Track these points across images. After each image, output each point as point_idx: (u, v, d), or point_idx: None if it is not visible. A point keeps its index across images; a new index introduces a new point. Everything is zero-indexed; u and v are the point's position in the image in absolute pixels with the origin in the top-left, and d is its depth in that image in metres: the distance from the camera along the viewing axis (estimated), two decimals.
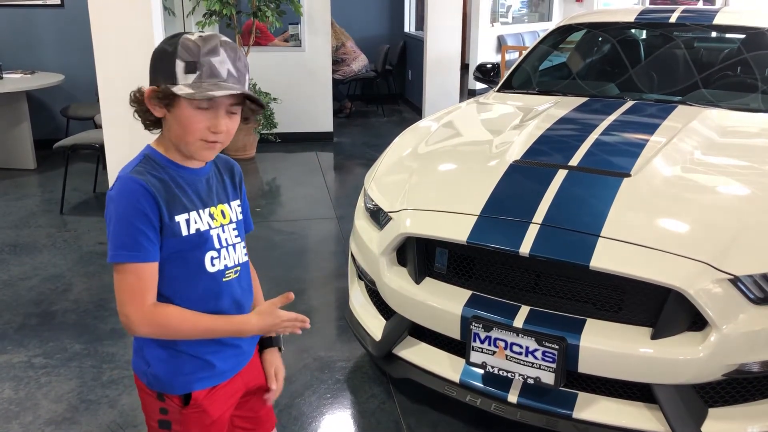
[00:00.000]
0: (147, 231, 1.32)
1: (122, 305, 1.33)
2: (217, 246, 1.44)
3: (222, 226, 1.46)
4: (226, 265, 1.46)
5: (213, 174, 1.49)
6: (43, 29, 6.64)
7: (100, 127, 4.45)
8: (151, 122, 1.41)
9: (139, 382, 1.49)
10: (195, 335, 1.41)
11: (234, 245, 1.49)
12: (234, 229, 1.50)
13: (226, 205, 1.49)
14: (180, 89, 1.30)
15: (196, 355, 1.44)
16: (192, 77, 1.31)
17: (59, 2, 6.58)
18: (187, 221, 1.39)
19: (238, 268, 1.50)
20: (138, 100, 1.38)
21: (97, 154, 5.04)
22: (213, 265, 1.43)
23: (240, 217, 1.54)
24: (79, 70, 6.45)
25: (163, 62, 1.34)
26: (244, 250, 1.53)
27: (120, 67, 4.23)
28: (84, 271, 3.93)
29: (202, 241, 1.42)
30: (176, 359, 1.43)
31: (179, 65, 1.31)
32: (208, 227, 1.43)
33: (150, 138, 1.48)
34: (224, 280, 1.46)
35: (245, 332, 1.46)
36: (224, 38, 1.37)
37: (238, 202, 1.54)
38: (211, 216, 1.44)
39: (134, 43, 4.20)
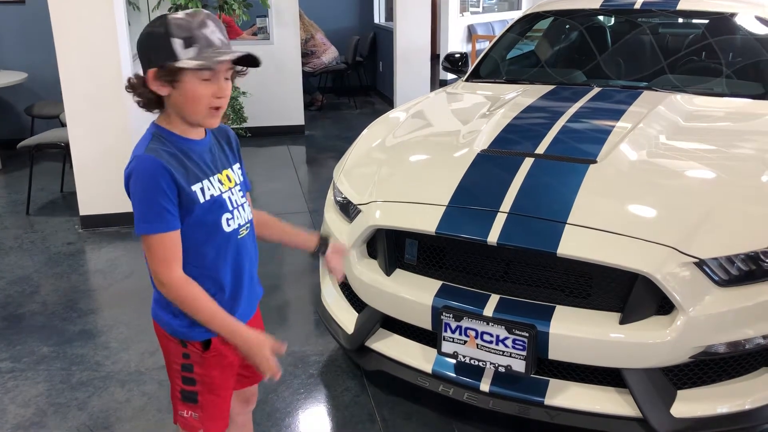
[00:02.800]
0: (167, 204, 1.46)
1: (155, 273, 1.50)
2: (230, 208, 1.60)
3: (230, 189, 1.62)
4: (239, 224, 1.63)
5: (214, 143, 1.63)
6: (3, 26, 6.49)
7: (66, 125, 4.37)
8: (152, 103, 1.50)
9: (160, 330, 1.66)
10: (205, 320, 1.53)
11: (242, 205, 1.65)
12: (239, 191, 1.65)
13: (229, 169, 1.64)
14: (186, 63, 1.42)
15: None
16: (192, 51, 1.43)
17: None
18: (202, 189, 1.53)
19: (249, 225, 1.68)
20: (136, 85, 1.48)
21: (63, 152, 4.94)
22: (228, 225, 1.60)
23: (241, 179, 1.69)
24: (42, 68, 6.31)
25: (158, 43, 1.43)
26: (249, 208, 1.70)
27: (83, 64, 4.15)
28: (52, 273, 3.86)
29: (217, 205, 1.57)
30: None
31: (176, 42, 1.42)
32: (219, 192, 1.58)
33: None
34: (239, 237, 1.63)
35: (239, 339, 1.56)
36: (206, 11, 1.49)
37: (238, 165, 1.69)
38: (220, 182, 1.59)
39: (97, 39, 4.12)
